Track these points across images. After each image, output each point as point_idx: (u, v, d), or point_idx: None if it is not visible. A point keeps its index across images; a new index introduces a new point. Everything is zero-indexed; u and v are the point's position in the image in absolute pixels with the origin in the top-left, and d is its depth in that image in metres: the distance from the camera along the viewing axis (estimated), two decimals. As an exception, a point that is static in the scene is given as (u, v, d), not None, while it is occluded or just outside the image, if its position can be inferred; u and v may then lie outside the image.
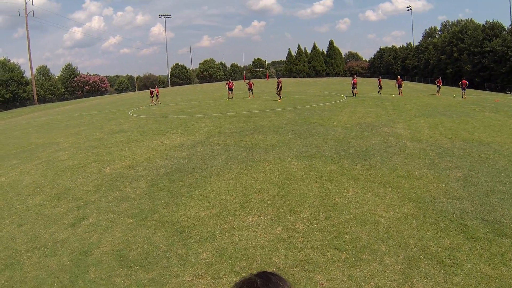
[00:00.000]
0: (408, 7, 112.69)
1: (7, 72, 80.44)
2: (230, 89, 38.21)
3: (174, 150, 14.53)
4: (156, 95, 40.10)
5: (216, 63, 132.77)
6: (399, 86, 37.26)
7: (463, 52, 74.08)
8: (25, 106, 78.72)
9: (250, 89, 39.14)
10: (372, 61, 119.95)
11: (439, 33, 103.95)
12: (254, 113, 24.95)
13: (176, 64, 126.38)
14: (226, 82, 40.96)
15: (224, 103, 34.29)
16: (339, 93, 38.70)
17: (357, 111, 23.65)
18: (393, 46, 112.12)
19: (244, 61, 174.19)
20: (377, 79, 41.07)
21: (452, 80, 66.15)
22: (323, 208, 8.04)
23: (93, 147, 16.88)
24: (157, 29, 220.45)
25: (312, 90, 47.34)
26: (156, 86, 44.81)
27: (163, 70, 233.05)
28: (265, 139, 15.60)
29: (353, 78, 35.99)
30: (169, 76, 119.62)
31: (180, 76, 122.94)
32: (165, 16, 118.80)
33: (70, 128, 25.88)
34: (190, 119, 23.66)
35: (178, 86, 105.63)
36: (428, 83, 73.42)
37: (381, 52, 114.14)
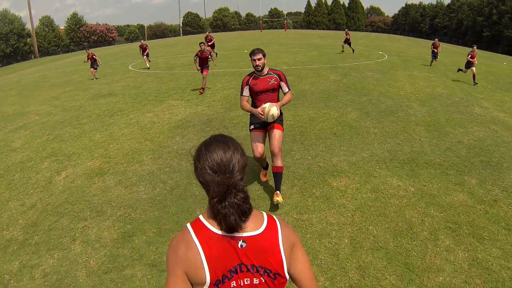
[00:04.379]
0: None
1: (7, 25, 74.12)
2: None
3: (174, 135, 9.17)
4: (143, 53, 24.49)
5: (230, 11, 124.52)
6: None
7: (504, 16, 65.93)
8: (27, 60, 73.11)
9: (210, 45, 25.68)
10: (396, 17, 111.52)
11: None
12: (285, 70, 18.86)
13: (188, 13, 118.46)
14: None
15: (242, 55, 28.19)
16: (374, 50, 32.29)
17: (416, 76, 17.62)
18: (420, 3, 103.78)
19: (261, 11, 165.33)
20: (345, 31, 30.60)
21: (487, 45, 59.22)
22: None
23: (63, 123, 11.53)
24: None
25: (340, 44, 40.87)
26: (142, 40, 27.96)
27: (175, 19, 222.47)
28: (318, 117, 10.05)
29: (346, 33, 28.85)
30: (181, 25, 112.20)
31: (192, 25, 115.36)
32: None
33: (54, 88, 20.44)
34: (198, 77, 17.88)
35: (190, 35, 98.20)
36: (459, 44, 66.33)
37: (407, 9, 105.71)
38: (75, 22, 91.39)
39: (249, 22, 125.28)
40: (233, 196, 1.63)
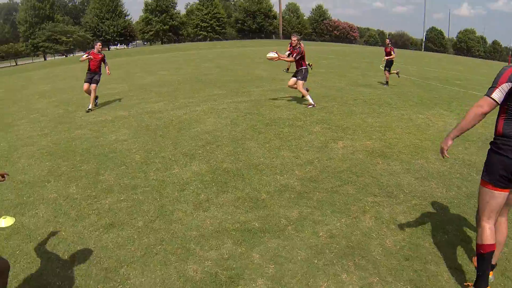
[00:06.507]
0: None
1: (255, 4, 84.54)
2: None
3: (457, 145, 8.14)
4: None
5: (476, 35, 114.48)
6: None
7: None
8: (270, 38, 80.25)
9: None
10: None
11: None
12: None
13: (432, 28, 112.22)
14: None
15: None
16: None
17: None
18: None
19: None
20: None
21: None
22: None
23: (327, 96, 11.86)
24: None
25: None
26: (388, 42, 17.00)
27: (416, 32, 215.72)
28: None
29: None
30: (424, 39, 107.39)
31: (434, 41, 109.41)
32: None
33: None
34: (460, 94, 15.97)
35: (431, 52, 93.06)
36: None
37: None
38: (320, 14, 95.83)
39: (495, 51, 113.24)
40: None
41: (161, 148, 7.19)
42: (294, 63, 10.99)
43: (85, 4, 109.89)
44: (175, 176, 5.89)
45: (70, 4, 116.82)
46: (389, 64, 16.29)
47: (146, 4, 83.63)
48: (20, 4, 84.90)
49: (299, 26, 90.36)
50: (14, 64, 66.11)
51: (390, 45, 16.25)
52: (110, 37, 79.19)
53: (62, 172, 6.26)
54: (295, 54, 10.74)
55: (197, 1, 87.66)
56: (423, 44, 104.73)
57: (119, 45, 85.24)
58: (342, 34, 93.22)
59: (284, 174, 5.81)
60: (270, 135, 7.69)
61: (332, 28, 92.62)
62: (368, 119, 9.29)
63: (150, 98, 12.32)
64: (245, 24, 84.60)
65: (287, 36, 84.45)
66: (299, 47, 10.76)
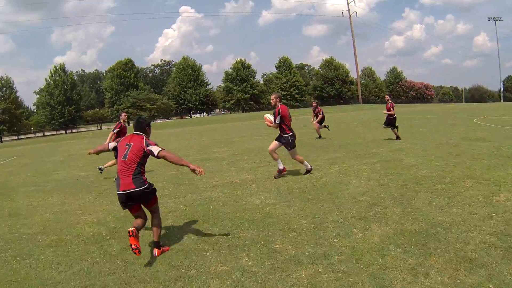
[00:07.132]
0: None
1: (332, 71, 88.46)
2: None
3: None
4: None
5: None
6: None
7: None
8: (348, 104, 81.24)
9: None
10: None
11: None
12: None
13: (509, 77, 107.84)
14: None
15: None
16: None
17: None
18: None
19: None
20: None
21: None
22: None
23: (450, 154, 11.88)
24: (481, 39, 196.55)
25: None
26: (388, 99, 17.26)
27: (491, 84, 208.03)
28: None
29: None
30: (502, 90, 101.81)
31: None
32: (494, 19, 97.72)
33: (402, 127, 21.75)
34: None
35: (510, 102, 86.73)
36: None
37: None
38: (395, 76, 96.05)
39: None
40: None
41: (324, 212, 7.05)
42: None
43: (165, 74, 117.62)
44: (364, 241, 5.56)
45: (150, 75, 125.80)
46: (393, 122, 16.53)
47: (227, 74, 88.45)
48: (105, 74, 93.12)
49: (376, 89, 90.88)
50: (99, 128, 72.61)
51: (390, 101, 16.42)
52: (192, 105, 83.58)
53: (216, 240, 5.96)
54: (277, 117, 9.89)
55: (275, 71, 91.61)
56: (502, 94, 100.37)
57: (198, 113, 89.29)
58: (419, 94, 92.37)
59: (473, 231, 5.66)
60: (428, 193, 7.72)
61: (408, 89, 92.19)
62: (510, 171, 9.13)
63: (269, 161, 12.52)
64: (324, 90, 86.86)
65: (366, 100, 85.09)
66: (278, 108, 9.95)
